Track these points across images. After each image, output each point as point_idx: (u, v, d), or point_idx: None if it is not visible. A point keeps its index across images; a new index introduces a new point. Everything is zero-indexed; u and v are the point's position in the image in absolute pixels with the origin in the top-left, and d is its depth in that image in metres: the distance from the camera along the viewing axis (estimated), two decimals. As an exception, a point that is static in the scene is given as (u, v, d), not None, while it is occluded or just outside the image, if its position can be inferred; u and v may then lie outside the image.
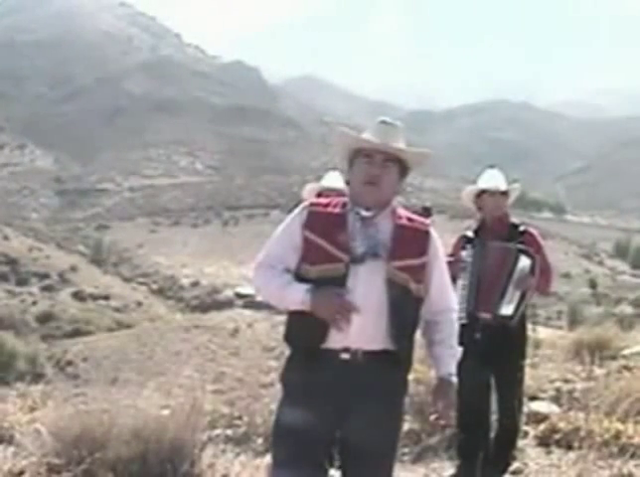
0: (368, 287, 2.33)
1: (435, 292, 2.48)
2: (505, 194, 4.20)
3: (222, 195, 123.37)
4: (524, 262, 3.99)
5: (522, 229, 4.20)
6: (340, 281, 2.33)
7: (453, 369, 2.47)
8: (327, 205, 2.49)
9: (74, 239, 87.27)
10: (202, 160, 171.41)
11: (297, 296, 2.32)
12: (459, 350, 2.54)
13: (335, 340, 2.32)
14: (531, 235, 4.17)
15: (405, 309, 2.37)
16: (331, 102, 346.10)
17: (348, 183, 2.56)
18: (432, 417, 2.50)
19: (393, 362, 2.36)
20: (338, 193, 4.08)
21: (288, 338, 2.46)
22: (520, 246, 4.04)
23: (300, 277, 2.39)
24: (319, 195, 3.83)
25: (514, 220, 4.27)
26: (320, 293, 2.29)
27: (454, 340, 2.52)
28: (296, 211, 2.50)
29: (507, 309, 3.99)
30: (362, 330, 2.31)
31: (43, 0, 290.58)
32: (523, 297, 4.03)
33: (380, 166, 2.43)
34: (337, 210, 2.47)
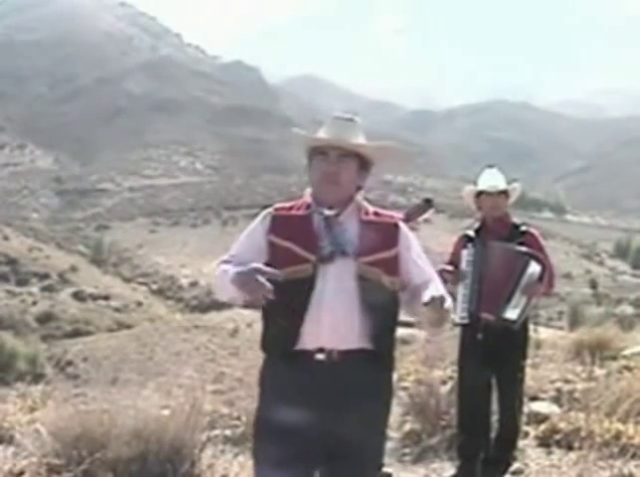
0: (338, 286, 2.29)
1: (415, 278, 2.41)
2: (504, 194, 4.18)
3: (221, 195, 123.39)
4: (533, 268, 3.95)
5: (523, 229, 4.18)
6: (309, 282, 2.29)
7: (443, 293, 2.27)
8: (291, 208, 2.45)
9: (74, 240, 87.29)
10: (202, 160, 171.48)
11: (230, 280, 2.24)
12: (451, 306, 2.34)
13: (309, 341, 2.28)
14: (532, 235, 4.15)
15: (380, 305, 2.31)
16: (331, 102, 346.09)
17: (310, 183, 2.51)
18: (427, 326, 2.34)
19: (371, 360, 2.31)
20: None
21: (264, 344, 2.42)
22: (531, 252, 3.99)
23: (270, 282, 2.33)
24: None
25: (515, 220, 4.25)
26: (243, 270, 2.21)
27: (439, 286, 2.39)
28: (259, 217, 2.46)
29: (512, 313, 3.95)
30: (335, 330, 2.27)
31: (43, 0, 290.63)
32: (528, 302, 4.01)
33: (335, 162, 2.37)
34: (301, 211, 2.42)
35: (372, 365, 2.32)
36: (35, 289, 55.78)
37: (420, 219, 4.00)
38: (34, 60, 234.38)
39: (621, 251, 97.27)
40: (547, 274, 4.00)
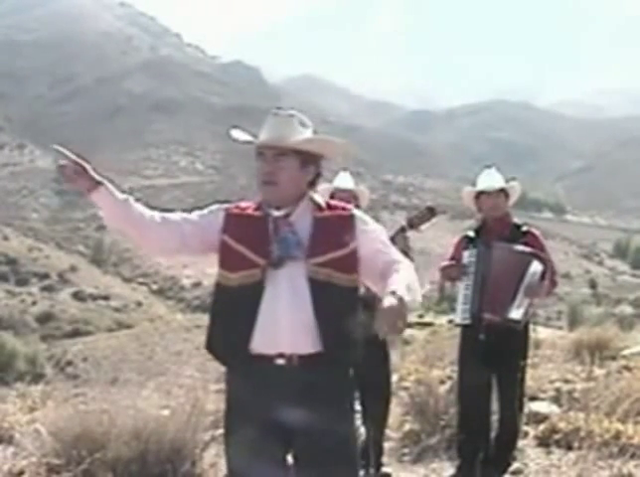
0: (291, 291, 2.22)
1: (381, 264, 2.31)
2: (503, 193, 4.17)
3: (222, 195, 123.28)
4: (535, 268, 3.95)
5: (524, 229, 4.17)
6: (258, 288, 2.23)
7: (404, 291, 2.15)
8: (245, 208, 2.39)
9: (74, 240, 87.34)
10: (202, 160, 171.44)
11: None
12: (418, 289, 2.27)
13: (269, 346, 2.23)
14: (533, 235, 4.14)
15: (335, 306, 2.24)
16: (331, 102, 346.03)
17: None
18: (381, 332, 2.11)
19: (331, 363, 2.25)
20: (350, 193, 4.08)
21: (211, 346, 2.37)
22: (533, 251, 3.99)
23: (221, 286, 2.31)
24: (332, 196, 3.79)
25: (516, 220, 4.25)
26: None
27: (407, 275, 2.27)
28: (212, 208, 2.41)
29: (516, 313, 3.96)
30: (293, 334, 2.22)
31: (43, 0, 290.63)
32: (531, 302, 4.01)
33: (271, 162, 2.30)
34: (255, 212, 2.36)
35: (331, 367, 2.26)
36: (35, 289, 55.85)
37: (423, 227, 4.00)
38: (34, 60, 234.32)
39: (621, 251, 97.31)
40: (548, 273, 4.00)
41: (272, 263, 2.24)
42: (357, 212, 2.40)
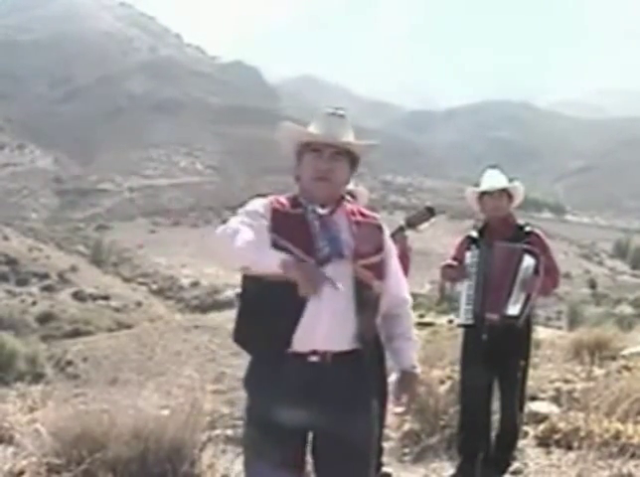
0: (334, 289, 2.22)
1: (393, 286, 2.42)
2: (506, 194, 4.16)
3: (222, 195, 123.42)
4: (528, 262, 3.97)
5: (527, 230, 4.17)
6: None
7: (415, 360, 2.43)
8: (284, 203, 2.37)
9: (74, 240, 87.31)
10: (202, 160, 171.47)
11: (275, 256, 2.15)
12: (418, 341, 2.50)
13: (303, 343, 2.24)
14: (537, 236, 4.15)
15: (370, 307, 2.32)
16: (331, 102, 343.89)
17: (297, 179, 2.42)
18: (397, 410, 2.48)
19: (361, 359, 2.31)
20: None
21: (241, 339, 2.36)
22: (524, 246, 4.01)
23: (262, 281, 2.23)
24: None
25: (519, 221, 4.24)
26: (304, 263, 2.17)
27: (413, 332, 2.48)
28: (260, 201, 2.37)
29: (513, 309, 3.97)
30: (330, 332, 2.25)
31: (43, 0, 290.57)
32: (528, 297, 4.02)
33: (329, 160, 2.32)
34: (294, 209, 2.35)
35: (362, 364, 2.32)
36: (35, 289, 55.82)
37: (422, 227, 4.00)
38: (33, 60, 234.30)
39: (620, 251, 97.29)
40: (542, 267, 4.00)
41: (320, 261, 2.25)
42: (383, 223, 2.47)
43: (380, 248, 2.38)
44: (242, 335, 2.36)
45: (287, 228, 2.30)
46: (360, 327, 2.29)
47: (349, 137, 2.37)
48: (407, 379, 2.39)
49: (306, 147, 2.36)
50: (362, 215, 2.42)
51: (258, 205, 2.35)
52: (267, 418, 2.26)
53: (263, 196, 2.45)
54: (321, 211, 2.34)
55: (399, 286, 2.46)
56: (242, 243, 2.15)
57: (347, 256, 2.29)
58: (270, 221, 2.30)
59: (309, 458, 2.36)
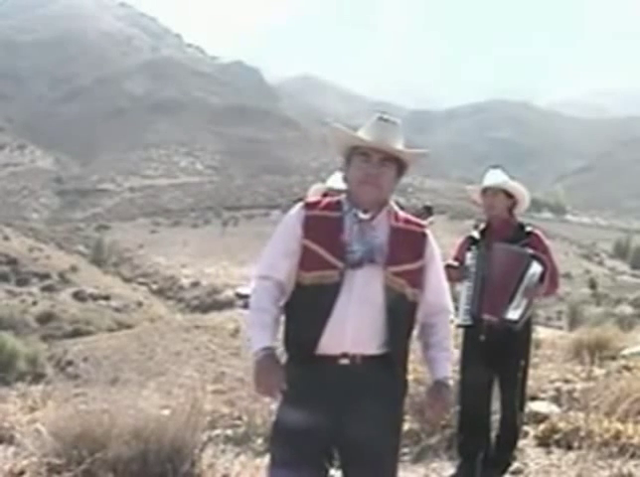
0: (364, 293, 2.29)
1: (432, 295, 2.45)
2: (503, 193, 4.13)
3: (222, 195, 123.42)
4: (535, 269, 3.95)
5: (528, 230, 4.16)
6: (334, 289, 2.29)
7: (449, 371, 2.46)
8: (324, 207, 2.41)
9: (74, 240, 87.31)
10: (202, 160, 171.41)
11: (254, 345, 2.29)
12: (454, 352, 2.55)
13: (333, 346, 2.28)
14: (537, 236, 4.14)
15: (401, 315, 2.34)
16: (331, 102, 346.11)
17: (345, 180, 2.47)
18: (429, 416, 2.58)
19: (390, 364, 2.35)
20: (343, 194, 4.06)
21: (285, 343, 2.43)
22: (533, 253, 3.99)
23: (298, 285, 2.35)
24: (324, 195, 3.78)
25: (520, 221, 4.24)
26: (266, 364, 2.25)
27: (449, 342, 2.50)
28: (293, 212, 2.42)
29: (513, 314, 3.97)
30: (359, 336, 2.29)
31: (43, 0, 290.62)
32: (530, 303, 4.02)
33: (377, 165, 2.36)
34: (333, 212, 2.40)
35: (390, 368, 2.35)
36: (35, 289, 55.82)
37: None
38: (34, 60, 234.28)
39: (621, 252, 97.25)
40: (548, 273, 4.00)
41: (351, 265, 2.30)
42: (429, 232, 2.48)
43: (419, 256, 2.39)
44: (286, 339, 2.43)
45: (321, 232, 2.35)
46: (390, 332, 2.32)
47: (398, 144, 2.39)
48: (439, 389, 2.41)
49: (355, 150, 2.39)
50: (406, 222, 2.44)
51: (289, 217, 2.42)
52: (296, 416, 2.30)
53: (300, 200, 2.51)
54: (362, 215, 2.37)
55: (438, 295, 2.47)
56: (249, 312, 2.35)
57: (379, 262, 2.32)
58: (302, 228, 2.36)
59: (335, 457, 2.39)
